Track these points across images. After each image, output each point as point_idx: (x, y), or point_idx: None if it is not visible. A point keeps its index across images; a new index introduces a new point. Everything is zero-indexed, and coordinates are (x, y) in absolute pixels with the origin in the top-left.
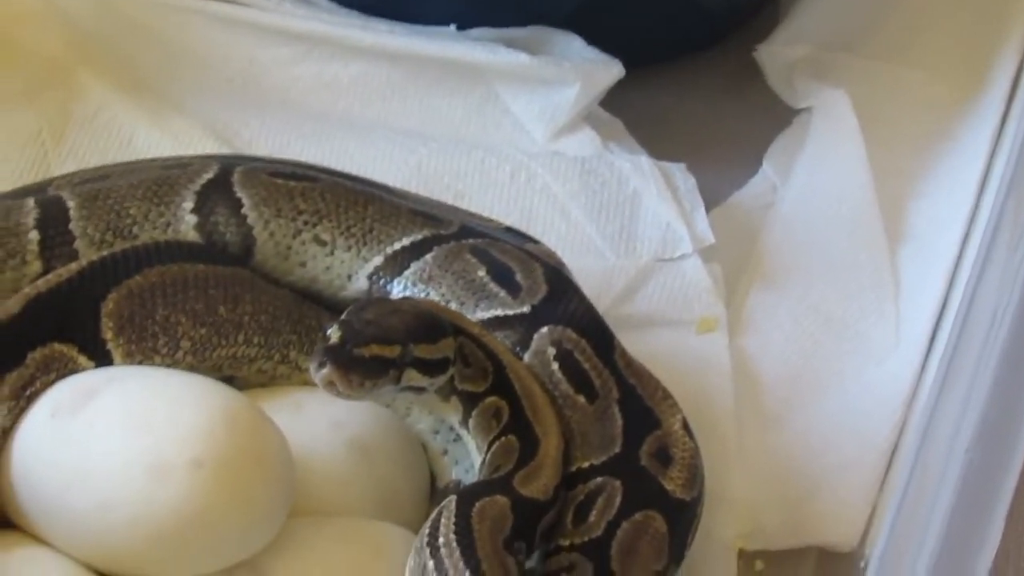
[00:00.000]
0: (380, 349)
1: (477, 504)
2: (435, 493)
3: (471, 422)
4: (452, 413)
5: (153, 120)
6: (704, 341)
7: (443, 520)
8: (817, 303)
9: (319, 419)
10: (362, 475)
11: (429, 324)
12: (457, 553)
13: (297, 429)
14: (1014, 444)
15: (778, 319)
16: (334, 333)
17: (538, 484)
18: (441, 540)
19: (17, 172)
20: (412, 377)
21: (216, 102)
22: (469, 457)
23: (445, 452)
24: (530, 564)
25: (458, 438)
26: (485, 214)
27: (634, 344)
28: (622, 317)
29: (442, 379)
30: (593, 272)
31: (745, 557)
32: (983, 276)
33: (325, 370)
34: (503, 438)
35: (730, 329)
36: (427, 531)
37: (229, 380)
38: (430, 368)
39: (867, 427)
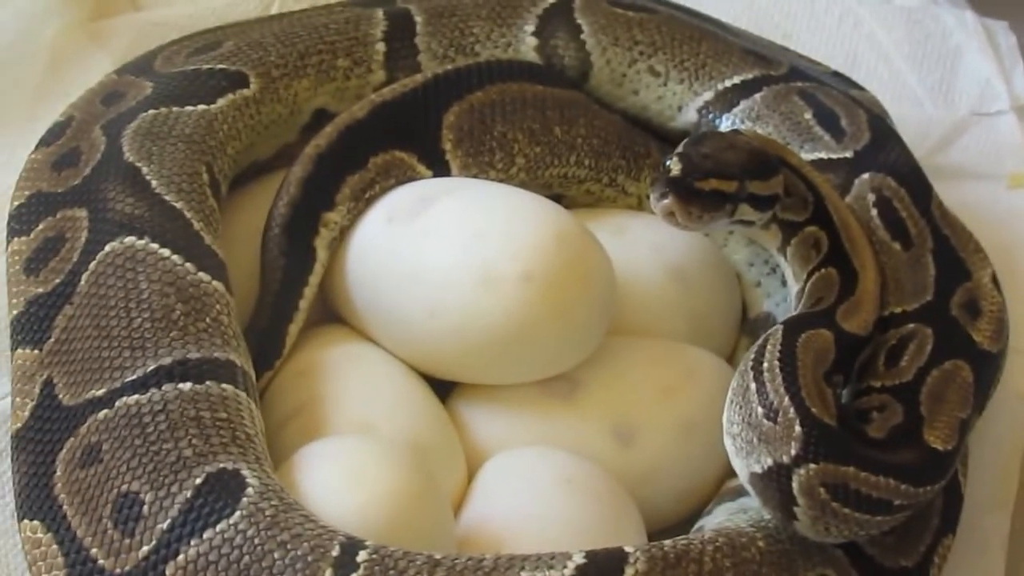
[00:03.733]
0: (719, 184)
1: (803, 335)
2: (745, 324)
3: (789, 250)
4: (771, 240)
5: None
6: (1014, 195)
7: (769, 346)
8: None
9: (640, 243)
10: (678, 300)
11: (762, 161)
12: (780, 379)
13: (618, 251)
14: None
15: None
16: (674, 165)
17: (858, 319)
18: (765, 365)
19: None
20: (744, 212)
21: None
22: (782, 291)
23: (759, 284)
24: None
25: (772, 271)
26: (811, 56)
27: (946, 194)
28: (936, 167)
29: (770, 214)
30: (910, 121)
31: None
32: None
33: (667, 200)
34: (823, 270)
35: None
36: (752, 355)
37: (557, 199)
38: (761, 203)
39: None
